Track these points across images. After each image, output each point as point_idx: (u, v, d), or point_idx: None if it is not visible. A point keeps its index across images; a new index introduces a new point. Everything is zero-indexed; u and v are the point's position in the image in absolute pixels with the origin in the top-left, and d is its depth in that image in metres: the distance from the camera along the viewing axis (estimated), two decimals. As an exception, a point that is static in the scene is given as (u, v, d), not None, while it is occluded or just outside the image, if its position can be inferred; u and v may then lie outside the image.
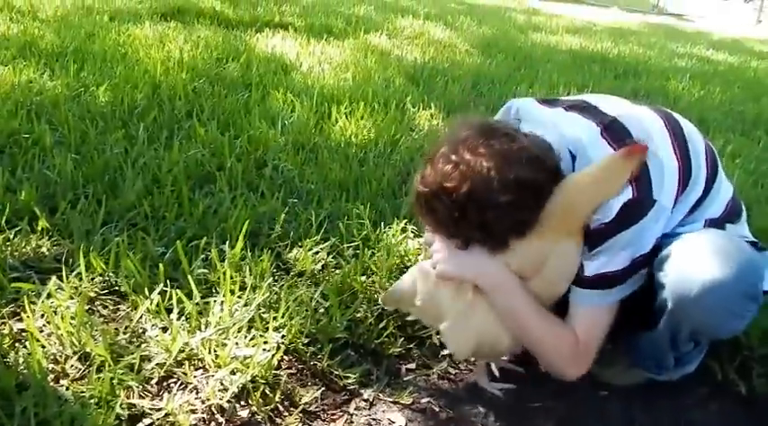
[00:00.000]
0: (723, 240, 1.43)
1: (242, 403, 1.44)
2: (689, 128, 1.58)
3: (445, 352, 1.73)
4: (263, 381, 1.48)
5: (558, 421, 1.56)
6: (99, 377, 1.39)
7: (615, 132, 1.48)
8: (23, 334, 1.51)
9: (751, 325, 1.82)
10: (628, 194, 1.42)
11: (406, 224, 2.16)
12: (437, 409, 1.55)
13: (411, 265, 1.98)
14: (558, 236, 1.44)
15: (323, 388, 1.54)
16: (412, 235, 2.13)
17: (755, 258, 1.44)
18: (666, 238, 1.46)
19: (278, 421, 1.43)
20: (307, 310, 1.69)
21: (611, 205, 1.42)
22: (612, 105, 1.59)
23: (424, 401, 1.57)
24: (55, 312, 1.55)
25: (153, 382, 1.45)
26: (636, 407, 1.64)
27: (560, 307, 1.54)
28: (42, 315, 1.56)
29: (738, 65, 7.12)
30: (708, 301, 1.35)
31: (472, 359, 1.68)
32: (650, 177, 1.44)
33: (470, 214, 1.40)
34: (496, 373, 1.68)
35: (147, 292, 1.66)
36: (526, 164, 1.38)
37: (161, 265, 1.71)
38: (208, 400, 1.41)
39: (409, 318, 1.75)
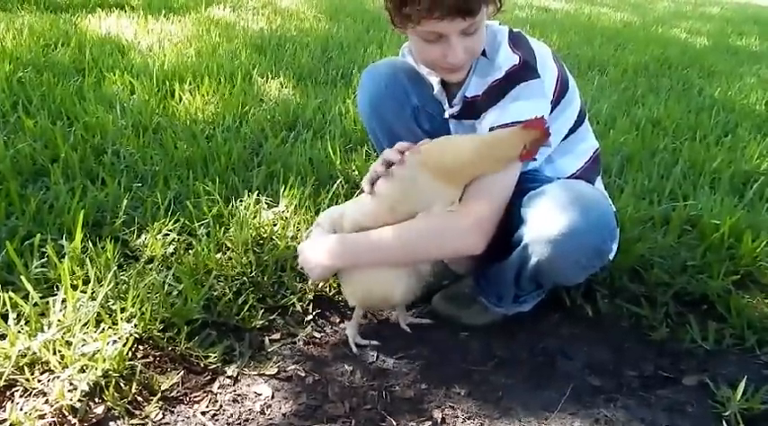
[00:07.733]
0: (592, 192, 1.52)
1: (96, 399, 1.37)
2: None
3: (309, 318, 1.73)
4: (116, 374, 1.41)
5: (422, 367, 1.60)
6: (-73, 399, 1.27)
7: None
8: None
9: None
10: (514, 60, 1.53)
11: (258, 195, 2.12)
12: (303, 374, 1.54)
13: (267, 236, 1.96)
14: (446, 185, 1.51)
15: (183, 372, 1.49)
16: (266, 206, 2.10)
17: (613, 216, 1.53)
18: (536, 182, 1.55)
19: (137, 412, 1.37)
20: (158, 295, 1.62)
21: (500, 65, 1.54)
22: None
23: (290, 369, 1.56)
24: None
25: (-7, 394, 1.35)
26: (496, 343, 1.71)
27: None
28: None
29: (574, 12, 7.51)
30: (563, 245, 1.42)
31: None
32: (535, 58, 1.55)
33: None
34: (406, 329, 1.72)
35: (-23, 301, 1.53)
36: None
37: (-11, 269, 1.58)
38: (56, 402, 1.33)
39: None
